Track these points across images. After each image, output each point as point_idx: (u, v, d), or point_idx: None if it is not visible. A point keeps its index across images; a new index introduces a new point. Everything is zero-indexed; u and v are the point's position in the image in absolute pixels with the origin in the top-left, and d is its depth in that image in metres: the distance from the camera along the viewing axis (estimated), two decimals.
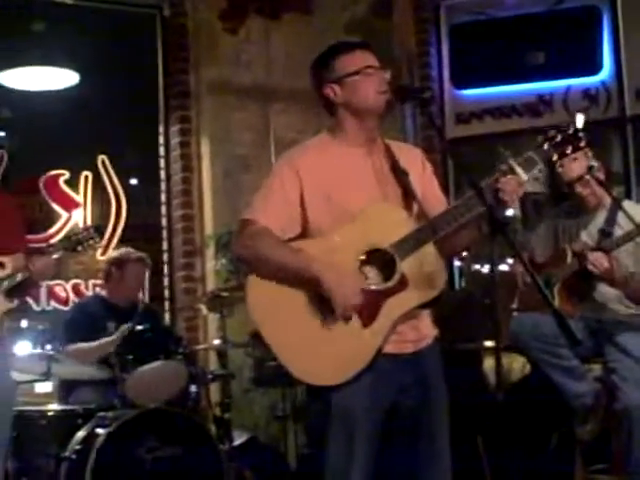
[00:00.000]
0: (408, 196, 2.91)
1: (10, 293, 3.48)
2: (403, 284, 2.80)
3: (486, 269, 6.70)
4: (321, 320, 2.80)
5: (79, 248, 3.66)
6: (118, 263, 5.48)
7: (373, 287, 2.81)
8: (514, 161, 2.83)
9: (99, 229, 3.78)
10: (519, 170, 2.81)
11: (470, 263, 6.97)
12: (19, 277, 3.45)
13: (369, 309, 2.79)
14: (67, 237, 3.73)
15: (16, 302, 3.56)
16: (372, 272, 2.84)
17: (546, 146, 2.85)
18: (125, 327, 4.96)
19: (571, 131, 2.86)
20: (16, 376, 4.32)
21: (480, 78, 6.86)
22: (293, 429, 6.06)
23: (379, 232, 2.82)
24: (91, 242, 3.69)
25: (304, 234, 2.91)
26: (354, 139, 2.96)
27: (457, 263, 6.81)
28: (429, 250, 2.82)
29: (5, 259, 3.46)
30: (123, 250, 5.68)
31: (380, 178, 2.93)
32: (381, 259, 2.82)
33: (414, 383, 2.89)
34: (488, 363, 5.50)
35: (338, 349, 2.79)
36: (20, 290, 3.55)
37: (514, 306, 4.50)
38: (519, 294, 4.49)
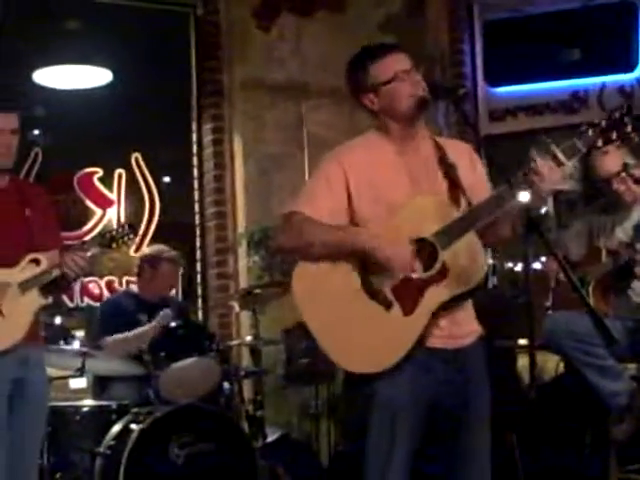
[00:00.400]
0: (456, 189, 2.92)
1: (45, 289, 3.51)
2: (443, 273, 2.81)
3: (519, 267, 6.67)
4: (363, 309, 2.83)
5: (113, 245, 3.68)
6: (151, 261, 5.50)
7: (414, 275, 2.82)
8: (556, 147, 2.78)
9: (133, 226, 3.80)
10: (560, 155, 2.77)
11: (503, 261, 6.94)
12: (54, 274, 3.48)
13: (410, 297, 2.81)
14: (101, 234, 3.75)
15: (50, 299, 3.59)
16: (415, 262, 2.84)
17: (590, 132, 2.79)
18: (164, 312, 4.99)
19: (617, 115, 2.78)
20: (51, 372, 4.37)
21: (514, 75, 6.83)
22: (326, 426, 6.07)
23: (422, 222, 2.84)
24: (125, 239, 3.71)
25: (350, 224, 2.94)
26: (398, 137, 2.98)
27: (490, 261, 6.78)
28: (471, 240, 2.83)
29: (40, 256, 3.49)
30: (157, 248, 5.69)
31: (426, 173, 2.95)
32: (424, 249, 2.84)
33: (455, 381, 2.89)
34: (522, 361, 5.47)
35: (379, 337, 2.82)
36: (55, 287, 3.58)
37: (548, 304, 4.48)
38: (553, 292, 4.46)
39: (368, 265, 2.85)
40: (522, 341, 5.44)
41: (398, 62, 2.94)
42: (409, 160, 2.96)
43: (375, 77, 2.95)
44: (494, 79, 6.94)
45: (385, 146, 2.98)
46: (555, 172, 2.75)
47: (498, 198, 2.81)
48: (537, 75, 6.77)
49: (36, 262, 3.48)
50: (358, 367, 2.87)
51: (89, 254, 3.54)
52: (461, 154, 3.03)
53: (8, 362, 3.41)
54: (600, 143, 2.79)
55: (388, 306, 2.83)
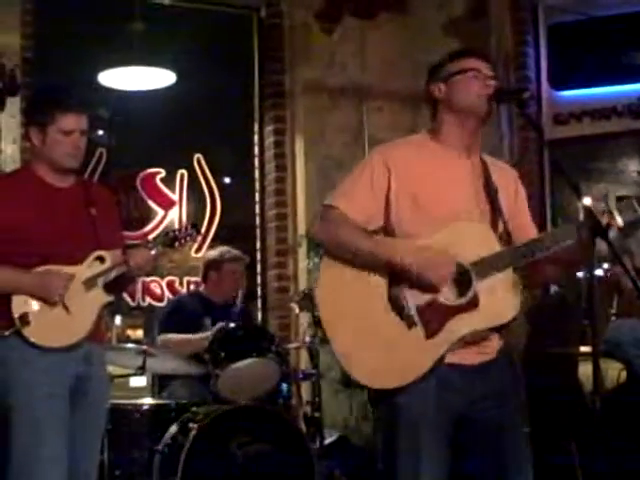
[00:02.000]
0: (495, 213, 2.87)
1: (108, 288, 3.54)
2: (473, 304, 2.74)
3: (580, 273, 6.57)
4: (386, 323, 2.77)
5: (176, 245, 3.70)
6: (215, 265, 5.51)
7: (442, 300, 2.77)
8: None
9: (196, 226, 3.81)
10: (617, 215, 2.72)
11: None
12: (117, 271, 3.51)
13: (435, 321, 2.74)
14: (165, 233, 3.77)
15: (113, 297, 3.62)
16: (447, 286, 2.78)
17: None
18: (219, 326, 5.01)
19: None
20: (111, 370, 4.42)
21: (579, 79, 6.75)
22: None
23: (462, 247, 2.76)
24: (188, 239, 3.73)
25: (385, 228, 2.89)
26: (452, 142, 2.92)
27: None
28: (508, 275, 2.77)
29: (105, 253, 3.51)
30: (218, 250, 5.70)
31: (471, 188, 2.89)
32: (458, 275, 2.77)
33: (483, 396, 2.82)
34: (583, 368, 5.40)
35: (396, 355, 2.76)
36: (117, 285, 3.62)
37: (612, 311, 4.42)
38: (618, 300, 4.39)
39: (397, 279, 2.79)
40: (583, 348, 5.36)
41: (478, 63, 2.92)
42: (457, 170, 2.90)
43: (450, 68, 2.93)
44: (559, 82, 6.86)
45: (436, 151, 2.93)
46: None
47: (550, 238, 2.76)
48: (603, 79, 6.67)
49: (101, 260, 3.51)
50: (377, 382, 2.81)
51: (152, 253, 3.57)
52: (507, 179, 2.98)
53: (71, 358, 3.44)
54: None
55: (410, 325, 2.76)
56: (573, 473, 4.69)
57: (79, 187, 3.64)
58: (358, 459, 5.86)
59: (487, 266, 2.74)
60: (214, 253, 5.69)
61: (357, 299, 2.81)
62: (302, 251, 6.57)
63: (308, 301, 5.30)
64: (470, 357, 2.82)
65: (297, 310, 5.80)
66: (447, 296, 2.77)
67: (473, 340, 2.79)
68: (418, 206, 2.84)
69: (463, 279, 2.76)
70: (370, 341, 2.78)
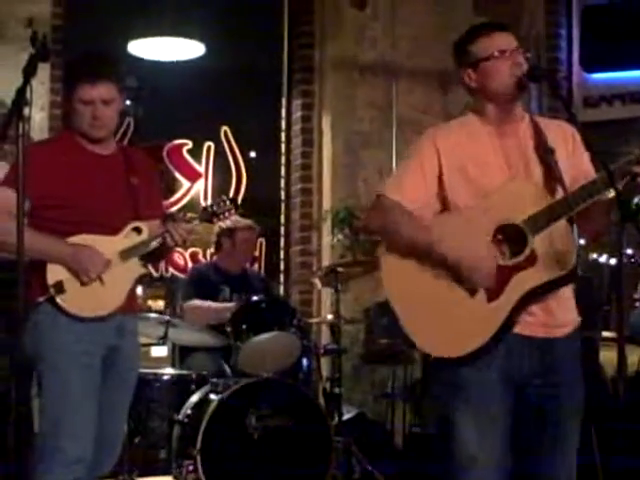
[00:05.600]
0: (551, 176, 2.85)
1: (143, 259, 3.50)
2: (532, 260, 2.76)
3: (603, 258, 6.54)
4: (447, 293, 2.81)
5: (215, 220, 3.64)
6: (228, 233, 5.54)
7: (501, 262, 2.79)
8: None
9: (234, 202, 3.69)
10: None
11: (588, 251, 6.81)
12: (155, 243, 3.45)
13: (496, 284, 2.77)
14: (204, 209, 3.67)
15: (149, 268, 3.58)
16: (503, 247, 2.82)
17: None
18: (243, 298, 5.03)
19: None
20: None
21: (611, 61, 6.66)
22: (401, 407, 6.05)
23: (513, 207, 2.79)
24: (226, 215, 3.65)
25: (443, 208, 2.92)
26: (493, 119, 2.93)
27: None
28: (562, 228, 2.77)
29: (142, 225, 3.47)
30: (231, 220, 5.72)
31: (522, 157, 2.89)
32: (513, 234, 2.79)
33: (542, 371, 2.82)
34: (604, 354, 5.38)
35: (462, 323, 2.79)
36: (152, 257, 3.57)
37: (637, 296, 4.39)
38: None
39: None
40: (606, 333, 5.34)
41: (502, 40, 2.89)
42: (505, 143, 2.91)
43: (476, 53, 2.90)
44: (590, 65, 6.79)
45: (481, 128, 2.93)
46: None
47: (594, 185, 2.74)
48: (635, 62, 6.60)
49: (137, 231, 3.47)
50: (440, 351, 2.85)
51: (190, 227, 3.51)
52: (562, 136, 2.95)
53: (105, 329, 3.42)
54: None
55: (472, 292, 2.79)
56: (592, 457, 4.68)
57: (120, 155, 3.58)
58: (376, 435, 5.88)
59: (541, 220, 2.76)
60: (227, 222, 5.73)
61: (420, 275, 2.85)
62: (326, 227, 6.56)
63: (331, 277, 5.31)
64: (535, 329, 2.82)
65: (320, 286, 5.81)
66: (505, 257, 2.80)
67: (540, 302, 2.80)
68: (469, 180, 2.87)
69: (519, 237, 2.77)
70: (438, 313, 2.83)
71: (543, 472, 2.86)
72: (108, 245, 3.42)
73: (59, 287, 3.35)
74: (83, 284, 3.36)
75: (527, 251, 2.76)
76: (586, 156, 2.96)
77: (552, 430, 2.84)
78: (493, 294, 2.77)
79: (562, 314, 2.88)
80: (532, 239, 2.76)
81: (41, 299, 3.34)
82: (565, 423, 2.86)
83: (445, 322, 2.82)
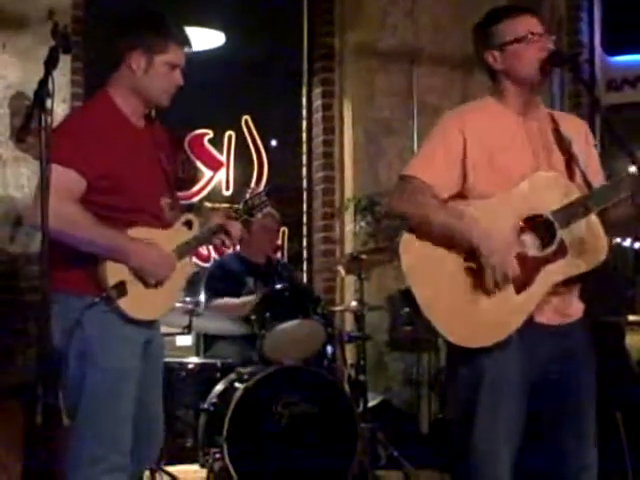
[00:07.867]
0: (571, 164, 2.85)
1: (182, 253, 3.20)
2: (561, 252, 2.75)
3: (627, 242, 6.52)
4: (474, 283, 2.78)
5: (254, 212, 3.45)
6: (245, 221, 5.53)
7: (530, 253, 2.77)
8: None
9: (269, 194, 3.49)
10: None
11: (613, 236, 6.78)
12: (203, 237, 3.23)
13: (524, 275, 2.75)
14: (244, 202, 3.43)
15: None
16: (531, 238, 2.80)
17: None
18: (265, 290, 5.04)
19: None
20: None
21: (633, 44, 6.63)
22: (427, 394, 6.06)
23: (541, 198, 2.78)
24: (263, 207, 3.47)
25: (462, 194, 2.88)
26: (515, 104, 2.91)
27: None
28: (592, 220, 2.77)
29: (193, 217, 3.22)
30: None
31: (543, 144, 2.88)
32: (541, 226, 2.78)
33: (560, 357, 2.83)
34: (631, 337, 5.36)
35: (490, 313, 2.77)
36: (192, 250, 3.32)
37: None
38: None
39: None
40: (632, 317, 5.32)
41: (530, 24, 2.87)
42: (528, 129, 2.89)
43: (503, 34, 2.87)
44: (612, 48, 6.75)
45: (505, 112, 2.91)
46: None
47: (626, 181, 2.73)
48: None
49: (188, 225, 3.20)
50: (466, 341, 2.81)
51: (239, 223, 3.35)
52: (577, 130, 2.95)
53: (144, 326, 3.15)
54: None
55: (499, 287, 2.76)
56: (619, 442, 4.67)
57: (148, 127, 3.24)
58: (400, 422, 5.89)
59: (569, 213, 2.75)
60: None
61: (443, 264, 2.82)
62: (349, 214, 6.56)
63: (354, 264, 5.31)
64: (551, 317, 2.82)
65: (343, 273, 5.81)
66: (534, 248, 2.78)
67: (561, 292, 2.78)
68: (494, 167, 2.84)
69: (548, 229, 2.76)
70: (464, 306, 2.79)
71: (565, 461, 2.85)
72: (165, 241, 3.12)
73: (122, 289, 3.01)
74: (147, 286, 3.06)
75: (556, 243, 2.75)
76: (596, 155, 2.98)
77: (572, 416, 2.84)
78: (521, 285, 2.76)
79: (574, 302, 2.89)
80: (561, 231, 2.74)
81: (97, 299, 2.99)
82: (584, 407, 2.86)
83: (472, 312, 2.79)
